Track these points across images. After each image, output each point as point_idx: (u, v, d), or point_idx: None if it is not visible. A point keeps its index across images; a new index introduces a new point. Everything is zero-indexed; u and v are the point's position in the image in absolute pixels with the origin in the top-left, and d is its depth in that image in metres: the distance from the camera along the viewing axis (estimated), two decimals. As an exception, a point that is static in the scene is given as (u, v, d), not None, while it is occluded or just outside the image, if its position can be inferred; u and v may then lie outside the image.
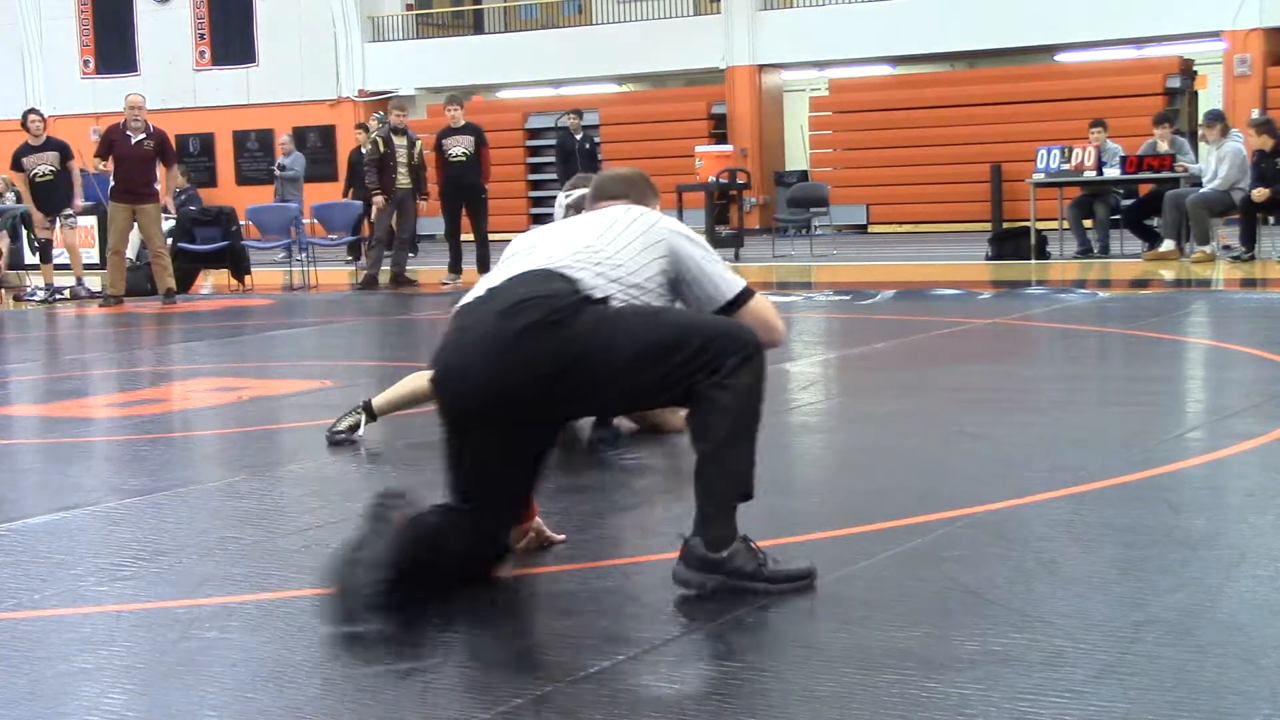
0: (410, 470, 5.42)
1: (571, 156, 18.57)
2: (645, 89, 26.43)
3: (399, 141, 14.92)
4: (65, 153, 15.01)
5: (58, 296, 14.99)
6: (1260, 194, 13.73)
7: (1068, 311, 10.39)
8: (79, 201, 15.00)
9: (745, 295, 3.72)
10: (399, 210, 15.08)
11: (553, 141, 25.28)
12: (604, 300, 3.51)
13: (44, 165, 14.82)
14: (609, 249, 3.64)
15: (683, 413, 5.09)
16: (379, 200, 14.83)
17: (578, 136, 18.97)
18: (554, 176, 25.47)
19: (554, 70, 25.05)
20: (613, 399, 3.72)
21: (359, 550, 3.35)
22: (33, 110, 15.15)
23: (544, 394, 3.49)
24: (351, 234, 16.81)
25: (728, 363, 3.46)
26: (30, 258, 16.54)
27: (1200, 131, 15.01)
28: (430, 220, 24.29)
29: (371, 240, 15.41)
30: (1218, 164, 14.16)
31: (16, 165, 14.92)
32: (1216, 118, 14.63)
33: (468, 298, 3.65)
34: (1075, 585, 3.50)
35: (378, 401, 5.87)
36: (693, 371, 3.46)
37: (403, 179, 14.92)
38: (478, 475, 3.61)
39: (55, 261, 15.44)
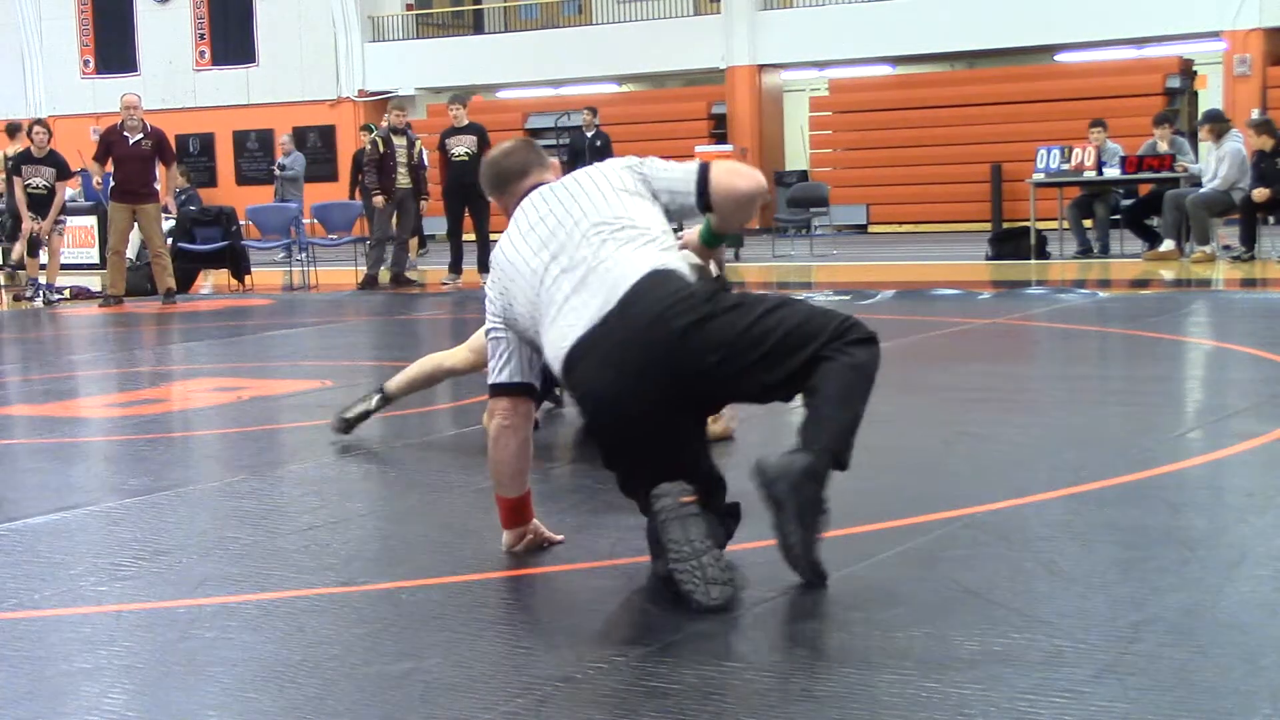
0: (411, 470, 5.42)
1: (581, 155, 18.52)
2: (645, 89, 26.43)
3: (399, 142, 14.95)
4: (62, 171, 15.07)
5: (58, 296, 14.99)
6: (1261, 194, 13.73)
7: (1068, 311, 10.39)
8: (47, 225, 15.00)
9: (705, 169, 3.84)
10: (399, 210, 15.10)
11: (553, 141, 25.30)
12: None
13: (40, 179, 14.89)
14: (637, 220, 3.74)
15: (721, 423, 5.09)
16: (379, 200, 14.86)
17: (589, 134, 18.91)
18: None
19: (554, 70, 25.05)
20: (754, 387, 3.74)
21: (689, 542, 3.41)
22: (39, 123, 15.15)
23: (712, 384, 3.60)
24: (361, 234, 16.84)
25: (851, 336, 3.75)
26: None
27: (1200, 132, 15.01)
28: (432, 220, 24.30)
29: (370, 240, 15.44)
30: (1217, 164, 14.16)
31: (15, 170, 14.96)
32: (1216, 118, 14.63)
33: (582, 332, 3.59)
34: (1075, 585, 3.50)
35: (392, 384, 5.87)
36: (820, 345, 3.66)
37: (402, 179, 14.95)
38: (660, 461, 3.62)
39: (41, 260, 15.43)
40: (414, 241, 17.15)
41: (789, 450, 3.60)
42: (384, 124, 15.35)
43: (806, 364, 3.63)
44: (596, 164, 3.99)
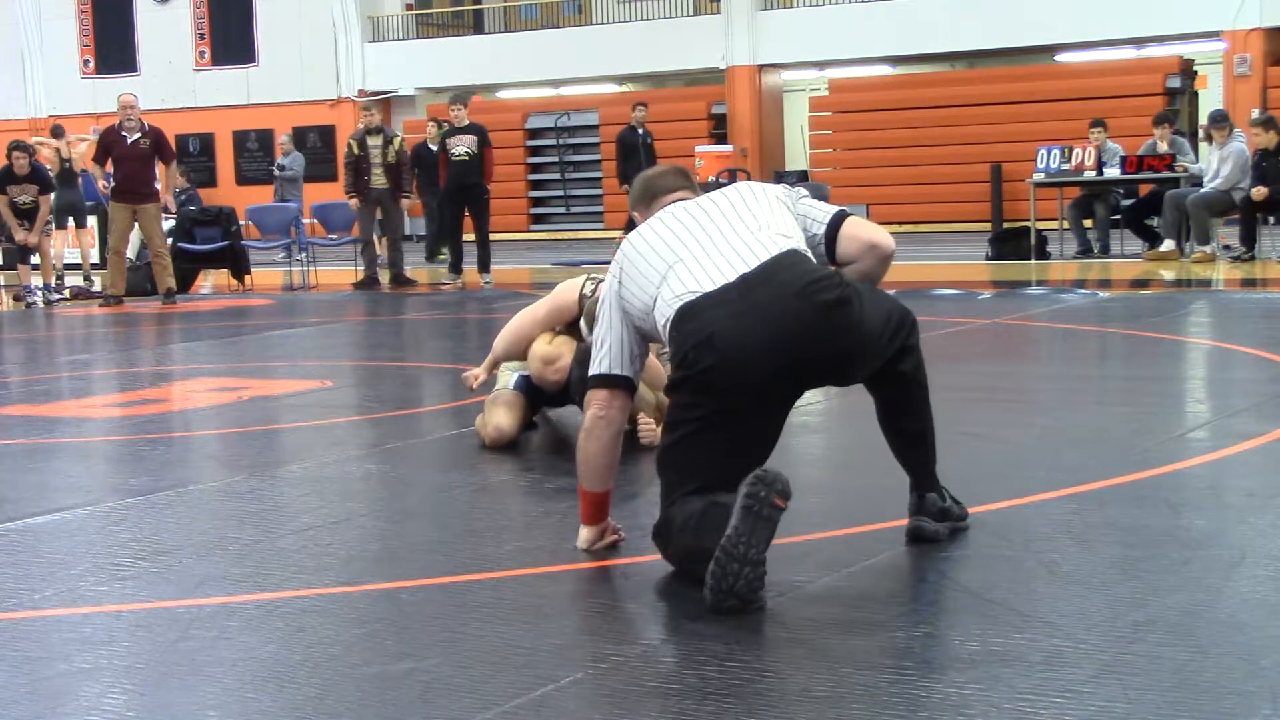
0: (411, 470, 5.42)
1: (635, 152, 18.46)
2: (645, 89, 26.42)
3: (373, 142, 15.00)
4: (45, 186, 15.15)
5: (58, 296, 14.99)
6: (1259, 193, 13.73)
7: (1068, 311, 10.39)
8: (34, 235, 15.04)
9: (841, 215, 3.99)
10: (382, 210, 15.16)
11: (553, 141, 25.34)
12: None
13: (26, 195, 14.98)
14: (784, 228, 3.81)
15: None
16: (353, 203, 15.04)
17: (640, 131, 18.90)
18: (555, 176, 25.55)
19: (554, 70, 25.05)
20: (858, 372, 3.84)
21: (749, 546, 3.32)
22: (19, 148, 15.15)
23: (835, 367, 3.71)
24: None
25: (913, 335, 3.89)
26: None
27: (1205, 131, 15.01)
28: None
29: (360, 242, 15.49)
30: (1220, 163, 14.16)
31: (1, 190, 15.01)
32: (1222, 118, 14.63)
33: (714, 287, 3.61)
34: (1075, 585, 3.50)
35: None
36: (900, 343, 3.84)
37: (378, 179, 14.99)
38: (737, 455, 3.58)
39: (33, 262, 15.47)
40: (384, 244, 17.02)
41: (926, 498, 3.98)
42: (360, 126, 15.42)
43: (893, 355, 3.85)
44: (761, 184, 4.09)
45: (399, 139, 15.32)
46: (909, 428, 4.04)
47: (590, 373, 3.86)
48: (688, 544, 3.53)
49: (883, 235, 4.01)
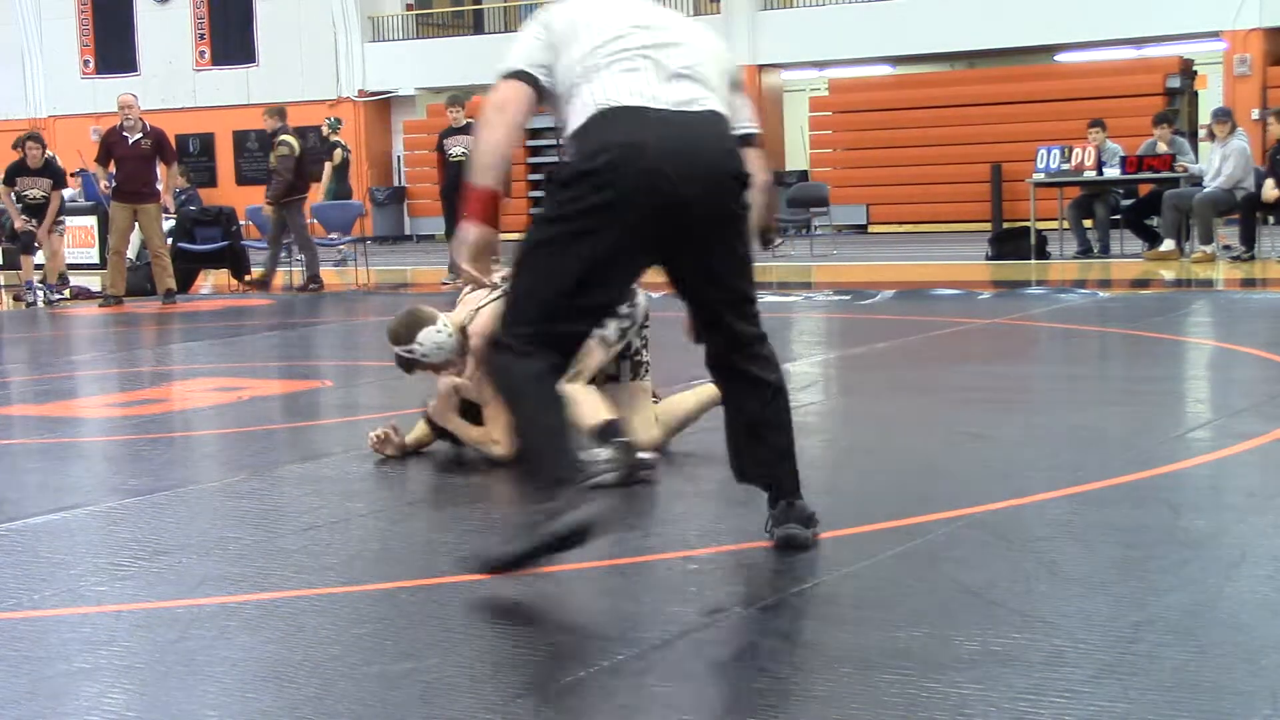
0: (411, 470, 5.42)
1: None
2: (645, 89, 26.41)
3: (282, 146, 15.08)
4: (58, 181, 15.16)
5: (58, 297, 14.99)
6: (1271, 194, 13.72)
7: (1068, 311, 10.39)
8: (44, 229, 15.05)
9: (753, 137, 3.98)
10: (288, 212, 15.21)
11: (553, 141, 25.31)
12: None
13: (37, 190, 14.96)
14: (720, 87, 3.83)
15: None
16: (268, 209, 15.23)
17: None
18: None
19: (554, 70, 25.02)
20: (712, 261, 3.79)
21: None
22: (31, 138, 15.17)
23: (701, 237, 3.69)
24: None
25: (758, 324, 3.90)
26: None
27: (1207, 129, 15.00)
28: (431, 220, 24.29)
29: (293, 244, 15.55)
30: (1222, 161, 14.14)
31: (9, 181, 15.01)
32: (1224, 115, 14.63)
33: (650, 103, 3.64)
34: (1075, 585, 3.50)
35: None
36: (742, 299, 3.84)
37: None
38: (591, 286, 3.62)
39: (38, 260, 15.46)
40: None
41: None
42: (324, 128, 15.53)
43: (742, 337, 3.83)
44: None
45: (291, 141, 15.26)
46: (779, 442, 3.94)
47: (501, 68, 3.84)
48: (529, 413, 3.61)
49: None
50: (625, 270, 3.75)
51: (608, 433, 4.85)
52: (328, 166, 20.13)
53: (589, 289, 3.64)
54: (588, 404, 4.95)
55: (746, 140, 3.91)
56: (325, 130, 21.15)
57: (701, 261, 3.74)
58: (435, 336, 5.28)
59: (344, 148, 20.94)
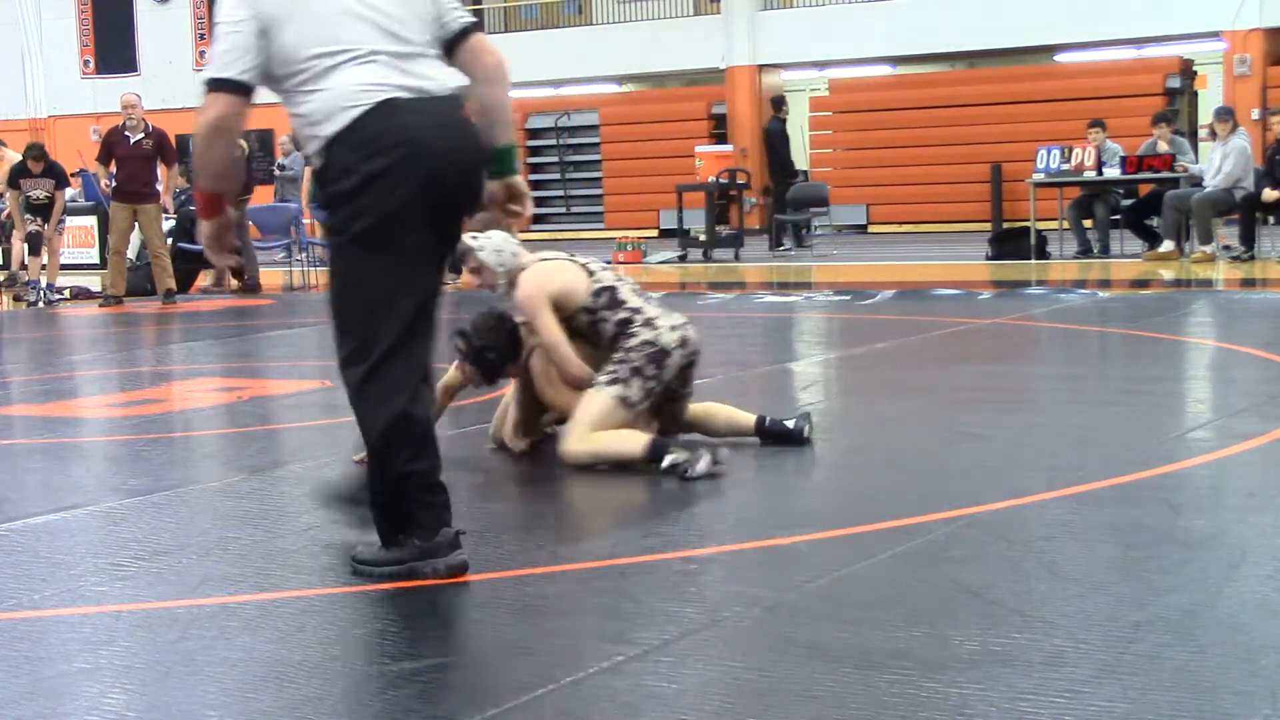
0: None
1: (785, 142, 18.99)
2: (645, 89, 26.42)
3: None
4: (61, 181, 15.24)
5: (58, 297, 15.00)
6: (1271, 195, 13.72)
7: (1068, 311, 10.39)
8: (50, 228, 15.10)
9: (476, 25, 3.97)
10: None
11: (553, 142, 25.33)
12: None
13: (40, 190, 15.03)
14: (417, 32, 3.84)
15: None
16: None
17: (783, 120, 19.26)
18: (555, 176, 25.54)
19: (554, 70, 25.02)
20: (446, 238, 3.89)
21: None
22: (33, 157, 15.22)
23: (471, 199, 3.82)
24: None
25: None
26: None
27: (1209, 127, 14.99)
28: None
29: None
30: (1222, 160, 14.14)
31: (13, 184, 15.09)
32: (1226, 113, 14.64)
33: (401, 95, 3.67)
34: (1075, 585, 3.50)
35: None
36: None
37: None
38: (405, 291, 3.68)
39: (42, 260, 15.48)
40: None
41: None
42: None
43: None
44: None
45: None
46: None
47: (209, 75, 3.81)
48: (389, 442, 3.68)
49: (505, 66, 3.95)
50: (428, 262, 3.79)
51: (657, 453, 4.88)
52: (308, 171, 20.15)
53: (407, 294, 3.68)
54: (625, 439, 5.00)
55: (465, 32, 3.89)
56: None
57: (446, 241, 3.86)
58: (502, 245, 5.32)
59: None
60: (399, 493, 3.71)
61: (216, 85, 3.73)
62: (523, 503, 4.86)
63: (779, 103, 19.93)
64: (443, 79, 3.78)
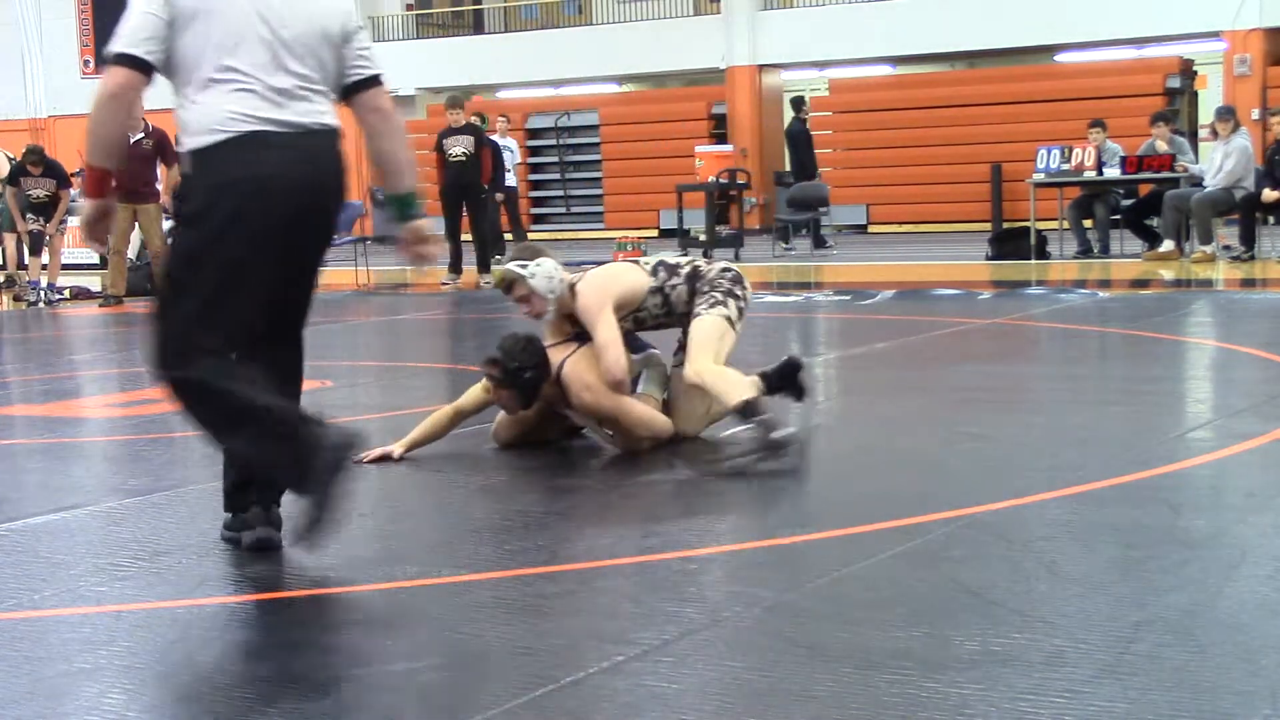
0: (411, 470, 5.42)
1: (808, 143, 19.06)
2: (645, 89, 26.42)
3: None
4: (62, 181, 15.25)
5: (58, 297, 15.00)
6: (1270, 195, 13.72)
7: (1068, 311, 10.39)
8: (52, 227, 15.12)
9: (378, 79, 4.06)
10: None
11: (553, 142, 25.34)
12: None
13: (41, 190, 15.06)
14: (330, 79, 3.96)
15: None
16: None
17: (805, 120, 19.29)
18: (555, 176, 25.54)
19: (554, 70, 25.04)
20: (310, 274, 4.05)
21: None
22: (32, 162, 15.24)
23: (323, 230, 3.96)
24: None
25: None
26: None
27: (1210, 126, 14.99)
28: (431, 220, 24.08)
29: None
30: (1224, 159, 14.12)
31: (13, 182, 15.11)
32: (1228, 112, 14.64)
33: (267, 127, 3.79)
34: (1075, 585, 3.50)
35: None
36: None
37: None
38: (256, 300, 3.84)
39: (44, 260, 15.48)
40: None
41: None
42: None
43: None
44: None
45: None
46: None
47: (113, 48, 3.92)
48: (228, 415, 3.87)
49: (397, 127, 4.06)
50: (269, 278, 3.89)
51: (750, 410, 5.09)
52: None
53: (239, 299, 3.82)
54: (736, 382, 5.25)
55: (364, 84, 3.98)
56: None
57: (296, 266, 3.95)
58: (553, 271, 5.38)
59: None
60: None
61: (118, 59, 3.87)
62: (523, 502, 4.86)
63: (799, 103, 19.83)
64: (324, 116, 3.88)
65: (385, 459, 5.33)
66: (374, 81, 4.00)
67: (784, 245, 18.47)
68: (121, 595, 3.74)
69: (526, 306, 5.42)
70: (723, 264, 5.61)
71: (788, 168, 24.31)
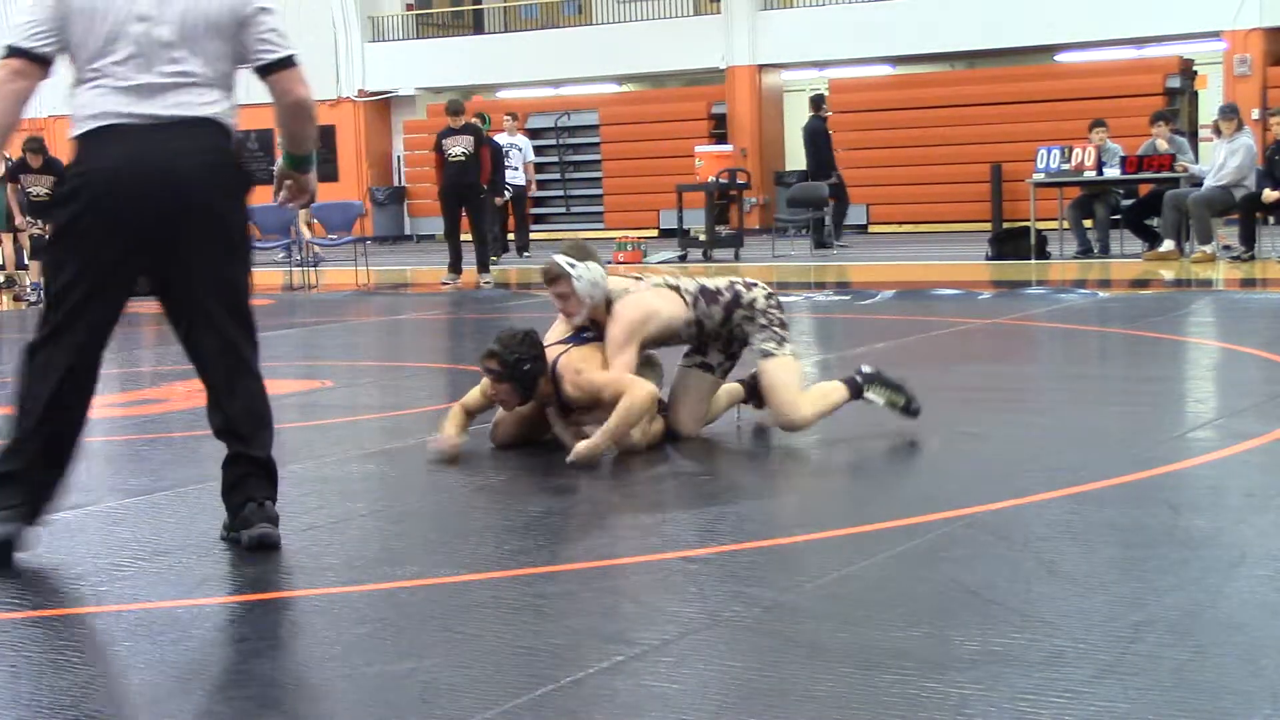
0: (411, 470, 5.42)
1: (826, 142, 19.09)
2: (645, 89, 26.42)
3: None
4: (61, 178, 15.21)
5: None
6: (1270, 195, 13.72)
7: (1068, 311, 10.39)
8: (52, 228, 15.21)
9: (287, 62, 4.05)
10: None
11: (553, 141, 25.33)
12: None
13: (40, 187, 15.08)
14: (211, 73, 3.97)
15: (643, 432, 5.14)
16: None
17: (825, 116, 19.27)
18: (555, 176, 25.54)
19: (554, 70, 25.03)
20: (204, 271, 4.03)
21: None
22: (31, 150, 15.25)
23: (197, 224, 3.94)
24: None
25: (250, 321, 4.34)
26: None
27: (1214, 124, 14.98)
28: (431, 220, 24.26)
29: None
30: (1228, 156, 14.11)
31: (12, 179, 15.13)
32: (1231, 111, 14.64)
33: (124, 120, 3.85)
34: (1075, 585, 3.50)
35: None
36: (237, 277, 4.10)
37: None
38: (95, 288, 3.95)
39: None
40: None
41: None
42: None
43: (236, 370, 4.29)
44: None
45: None
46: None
47: (8, 40, 3.95)
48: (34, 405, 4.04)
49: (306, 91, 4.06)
50: (119, 281, 3.99)
51: (857, 390, 5.51)
52: None
53: (85, 285, 3.96)
54: (831, 391, 5.54)
55: (268, 69, 3.99)
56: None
57: (183, 268, 4.00)
58: (599, 279, 5.38)
59: None
60: None
61: (10, 51, 3.92)
62: (523, 503, 4.86)
63: (818, 101, 19.75)
64: (198, 109, 3.90)
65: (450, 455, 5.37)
66: (278, 65, 4.00)
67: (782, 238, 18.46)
68: (121, 595, 3.74)
69: (562, 303, 5.41)
70: (764, 289, 5.56)
71: (789, 166, 24.41)
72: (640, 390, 5.18)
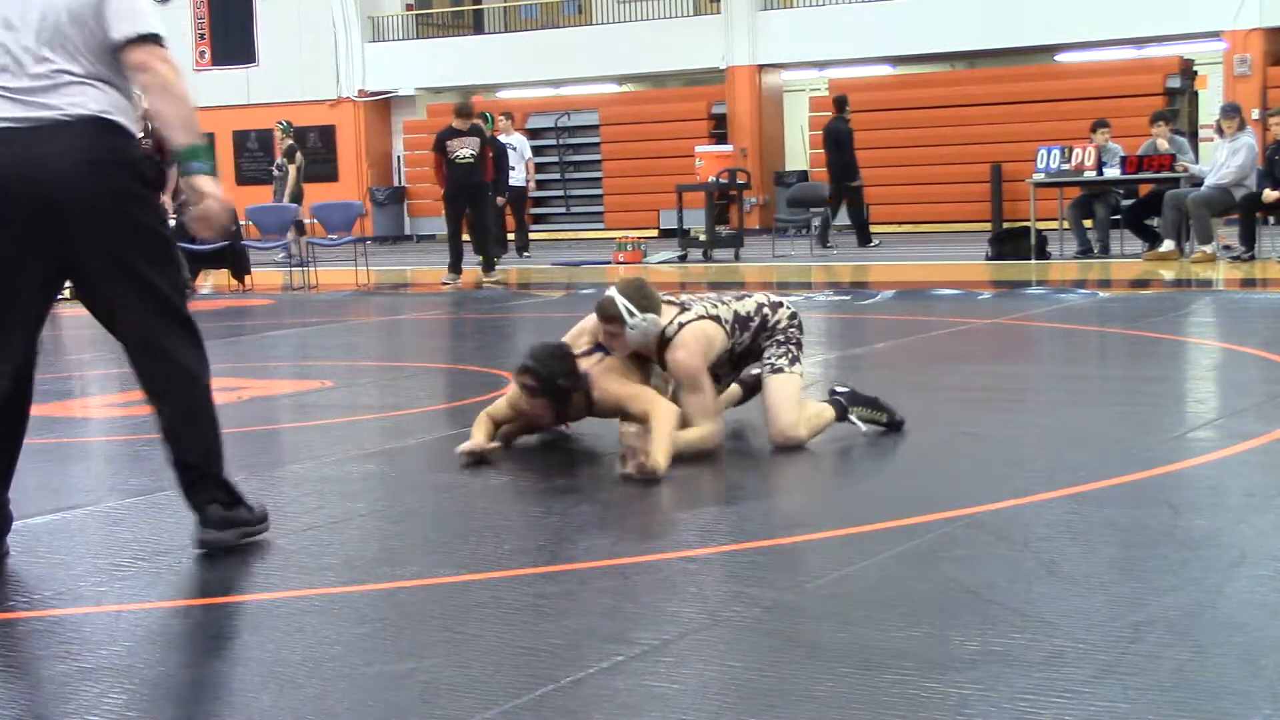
0: (411, 470, 5.42)
1: (849, 143, 19.12)
2: (645, 89, 26.42)
3: None
4: None
5: (59, 297, 14.99)
6: (1271, 195, 13.73)
7: (1068, 311, 10.39)
8: None
9: (147, 38, 3.92)
10: None
11: (553, 141, 25.33)
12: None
13: None
14: (80, 68, 3.90)
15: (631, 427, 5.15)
16: None
17: (847, 118, 19.27)
18: (555, 176, 25.55)
19: (554, 70, 25.05)
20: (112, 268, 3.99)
21: None
22: None
23: (77, 262, 3.94)
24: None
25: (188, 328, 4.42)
26: None
27: (1217, 123, 14.98)
28: (431, 220, 24.26)
29: None
30: (1230, 155, 14.10)
31: None
32: (1233, 110, 14.64)
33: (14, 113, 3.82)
34: (1075, 585, 3.50)
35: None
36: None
37: None
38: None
39: None
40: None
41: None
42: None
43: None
44: None
45: None
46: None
47: None
48: None
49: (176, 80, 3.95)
50: (16, 285, 3.97)
51: (843, 413, 5.61)
52: (292, 170, 20.18)
53: None
54: (822, 411, 5.57)
55: (123, 46, 3.89)
56: (279, 133, 21.10)
57: (82, 272, 4.00)
58: (652, 330, 5.34)
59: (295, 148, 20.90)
60: None
61: None
62: (523, 503, 4.86)
63: (842, 103, 19.72)
64: (70, 108, 3.84)
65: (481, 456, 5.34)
66: (133, 41, 3.89)
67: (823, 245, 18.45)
68: (121, 595, 3.74)
69: (609, 340, 5.42)
70: (789, 309, 5.58)
71: (789, 166, 24.42)
72: (716, 427, 5.31)
